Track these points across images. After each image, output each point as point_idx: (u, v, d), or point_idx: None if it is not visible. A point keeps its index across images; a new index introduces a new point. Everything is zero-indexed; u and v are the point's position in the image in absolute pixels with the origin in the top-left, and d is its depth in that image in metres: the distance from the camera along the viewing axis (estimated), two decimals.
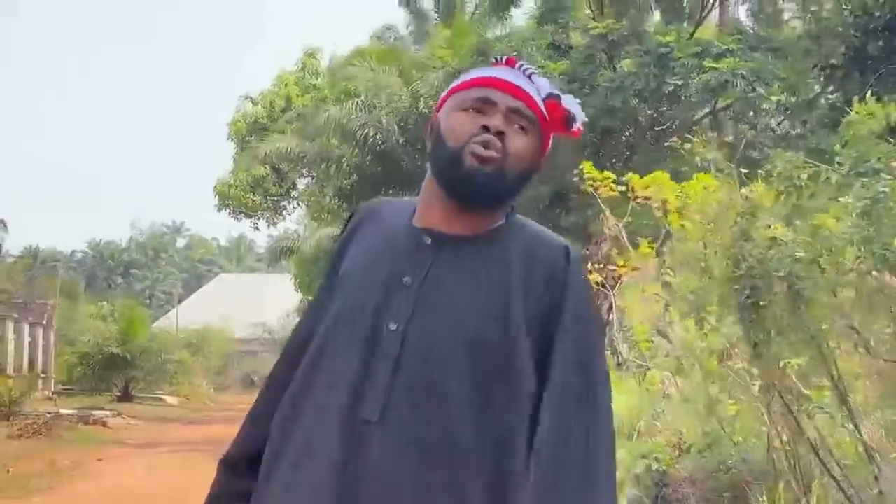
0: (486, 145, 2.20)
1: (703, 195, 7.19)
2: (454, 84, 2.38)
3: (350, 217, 2.46)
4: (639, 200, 9.18)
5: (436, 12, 28.13)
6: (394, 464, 2.08)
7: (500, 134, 2.20)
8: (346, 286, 2.27)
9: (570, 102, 2.33)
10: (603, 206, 9.49)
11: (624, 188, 9.73)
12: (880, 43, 11.64)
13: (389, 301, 2.18)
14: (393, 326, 2.15)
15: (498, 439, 2.10)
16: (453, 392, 2.10)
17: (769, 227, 6.09)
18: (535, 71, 2.36)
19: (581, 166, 9.77)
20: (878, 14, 11.63)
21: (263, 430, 2.28)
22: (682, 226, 7.31)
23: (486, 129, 2.21)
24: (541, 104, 2.29)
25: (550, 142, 2.37)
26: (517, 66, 2.36)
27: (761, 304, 5.80)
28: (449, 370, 2.11)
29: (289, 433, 2.21)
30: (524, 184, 2.27)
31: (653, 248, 9.53)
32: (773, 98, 17.73)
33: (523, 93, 2.27)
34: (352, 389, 2.14)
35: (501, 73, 2.32)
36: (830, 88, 12.76)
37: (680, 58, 18.69)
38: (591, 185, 9.65)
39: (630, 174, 8.87)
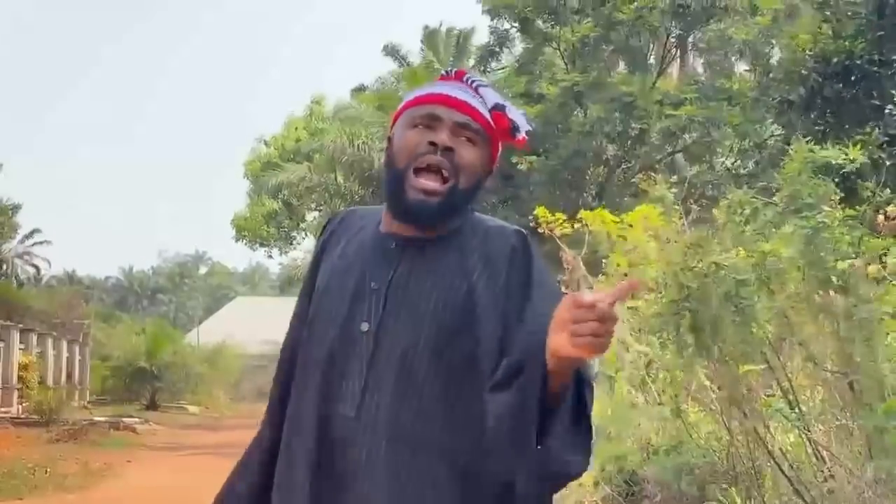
0: (433, 169, 2.10)
1: (645, 224, 7.18)
2: (406, 100, 2.28)
3: (323, 228, 2.39)
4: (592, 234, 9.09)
5: (420, 63, 28.27)
6: (373, 456, 2.02)
7: (447, 150, 2.11)
8: (322, 295, 2.20)
9: (515, 113, 2.23)
10: (560, 243, 9.34)
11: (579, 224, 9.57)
12: (836, 86, 11.71)
13: (360, 305, 2.12)
14: (365, 328, 2.09)
15: (464, 427, 2.02)
16: (423, 384, 2.04)
17: (719, 253, 6.07)
18: (483, 82, 2.27)
19: (535, 212, 9.63)
20: (835, 60, 11.72)
21: (263, 452, 2.26)
22: (618, 262, 7.33)
23: (433, 145, 2.11)
24: (487, 115, 2.19)
25: (500, 150, 2.26)
26: (465, 78, 2.27)
27: (701, 327, 5.79)
28: (418, 364, 2.05)
29: (286, 439, 2.17)
30: (475, 194, 2.19)
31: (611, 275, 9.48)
32: (726, 142, 17.84)
33: (468, 107, 2.18)
34: (330, 390, 2.08)
35: (448, 88, 2.23)
36: (780, 131, 12.80)
37: (643, 105, 18.79)
38: (547, 227, 9.49)
39: (582, 212, 8.74)
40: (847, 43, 11.66)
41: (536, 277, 2.13)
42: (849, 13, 12.18)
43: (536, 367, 1.88)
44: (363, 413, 2.04)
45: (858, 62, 11.53)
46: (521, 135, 2.23)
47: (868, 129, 8.93)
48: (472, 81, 2.26)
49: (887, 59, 11.54)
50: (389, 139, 2.26)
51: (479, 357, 2.04)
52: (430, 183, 2.10)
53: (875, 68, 11.49)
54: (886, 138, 7.88)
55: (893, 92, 11.39)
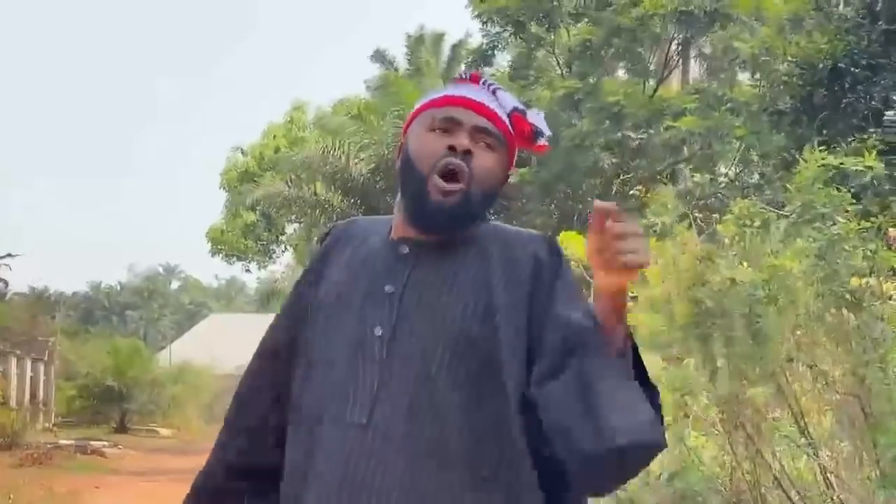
0: (450, 175, 2.11)
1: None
2: (421, 102, 2.31)
3: (324, 238, 2.38)
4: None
5: (408, 70, 28.28)
6: (383, 466, 1.99)
7: (466, 153, 2.14)
8: (328, 302, 2.19)
9: (535, 117, 2.26)
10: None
11: None
12: (824, 92, 11.82)
13: (374, 309, 2.12)
14: (378, 332, 2.09)
15: (487, 436, 2.01)
16: (440, 392, 2.02)
17: (728, 268, 6.08)
18: (500, 87, 2.31)
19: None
20: (821, 66, 11.84)
21: (241, 440, 2.30)
22: None
23: (452, 149, 2.13)
24: (506, 120, 2.23)
25: (515, 156, 2.29)
26: (481, 82, 2.30)
27: (718, 342, 5.79)
28: (434, 370, 2.03)
29: (293, 448, 2.15)
30: (491, 201, 2.22)
31: None
32: (729, 154, 17.90)
33: (488, 110, 2.21)
34: (341, 395, 2.06)
35: (466, 90, 2.26)
36: (781, 137, 12.90)
37: (635, 113, 18.89)
38: None
39: (563, 233, 8.74)
40: (834, 46, 11.78)
41: (564, 280, 2.14)
42: (837, 17, 12.37)
43: (591, 335, 1.93)
44: (374, 420, 2.02)
45: (847, 66, 11.64)
46: (543, 140, 2.26)
47: (864, 137, 8.97)
48: (489, 84, 2.29)
49: (879, 63, 11.64)
50: (401, 144, 2.28)
51: (501, 364, 2.03)
52: (450, 185, 2.12)
53: (868, 73, 11.60)
54: (884, 146, 7.94)
55: (894, 97, 11.51)
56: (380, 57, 29.88)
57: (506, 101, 2.26)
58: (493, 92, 2.27)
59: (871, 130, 10.29)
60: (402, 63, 29.02)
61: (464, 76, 2.34)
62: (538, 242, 2.20)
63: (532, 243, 2.19)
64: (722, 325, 5.85)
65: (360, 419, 2.03)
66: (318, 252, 2.37)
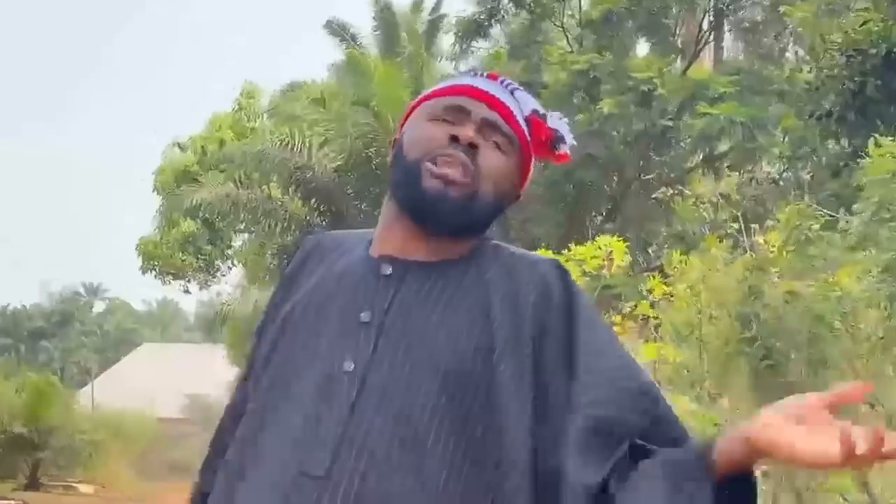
0: (453, 163, 2.12)
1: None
2: (424, 93, 2.32)
3: (294, 254, 2.39)
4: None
5: (379, 47, 28.13)
6: None
7: (471, 147, 2.14)
8: (292, 332, 2.17)
9: (558, 122, 2.28)
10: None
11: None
12: (878, 83, 11.71)
13: (345, 340, 2.09)
14: (349, 367, 2.06)
15: (480, 497, 1.98)
16: (419, 442, 1.98)
17: (778, 278, 6.07)
18: (520, 88, 2.33)
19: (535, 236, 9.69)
20: (872, 51, 11.71)
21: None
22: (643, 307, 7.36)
23: (454, 140, 2.13)
24: (522, 121, 2.25)
25: (532, 168, 2.31)
26: (499, 80, 2.32)
27: (778, 367, 5.75)
28: (418, 413, 2.00)
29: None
30: (496, 213, 2.22)
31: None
32: (775, 150, 17.72)
33: (502, 105, 2.23)
34: (296, 442, 2.02)
35: (479, 82, 2.29)
36: (834, 146, 12.86)
37: (667, 97, 18.69)
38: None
39: (574, 247, 8.67)
40: (889, 28, 11.71)
41: (584, 316, 2.13)
42: None
43: (689, 453, 1.93)
44: (335, 473, 1.96)
45: None
46: (564, 148, 2.29)
47: None
48: (507, 84, 2.31)
49: None
50: (395, 140, 2.28)
51: (499, 411, 2.00)
52: (450, 170, 2.12)
53: None
54: None
55: None
56: (337, 29, 29.46)
57: (525, 102, 2.28)
58: (512, 92, 2.29)
59: None
60: (367, 39, 28.85)
61: (478, 73, 2.36)
62: (547, 268, 2.19)
63: (540, 268, 2.18)
64: (776, 349, 5.83)
65: (317, 471, 1.97)
66: (284, 274, 2.37)
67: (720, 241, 7.11)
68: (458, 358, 2.03)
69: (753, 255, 6.31)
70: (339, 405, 2.01)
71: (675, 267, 7.56)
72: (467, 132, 2.15)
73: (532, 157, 2.29)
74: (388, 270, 2.16)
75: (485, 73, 2.35)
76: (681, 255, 7.82)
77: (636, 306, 9.41)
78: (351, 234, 2.37)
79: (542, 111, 2.28)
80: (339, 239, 2.36)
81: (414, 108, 2.30)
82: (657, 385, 2.18)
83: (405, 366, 2.03)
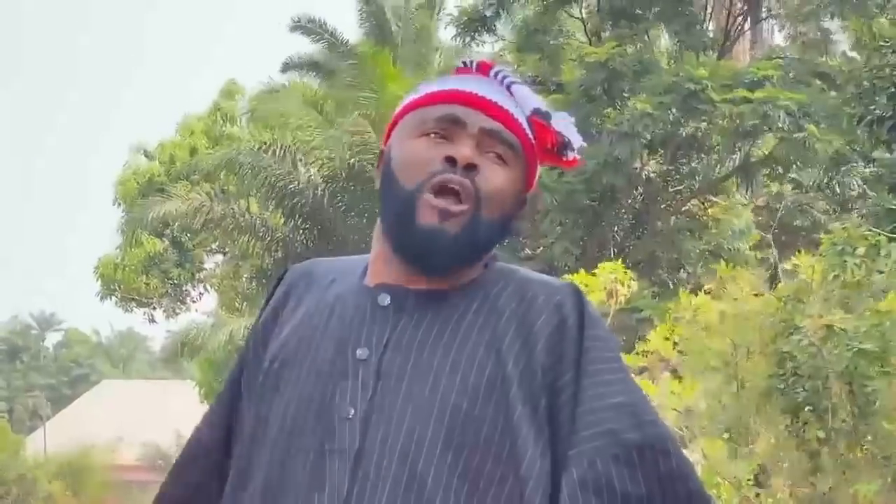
0: (449, 190, 2.11)
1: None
2: (410, 97, 2.30)
3: (276, 286, 2.39)
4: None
5: (368, 40, 28.03)
6: None
7: (470, 168, 2.13)
8: (282, 370, 2.19)
9: (562, 123, 2.25)
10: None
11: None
12: None
13: (342, 382, 2.11)
14: (349, 413, 2.08)
15: None
16: (432, 491, 2.01)
17: (819, 315, 6.08)
18: (517, 80, 2.29)
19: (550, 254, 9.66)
20: None
21: None
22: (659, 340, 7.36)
23: (450, 161, 2.13)
24: (524, 124, 2.22)
25: (538, 168, 2.30)
26: (492, 73, 2.29)
27: (816, 411, 5.78)
28: (425, 466, 2.02)
29: None
30: (504, 233, 2.22)
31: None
32: (824, 144, 17.38)
33: (501, 110, 2.20)
34: (299, 499, 2.07)
35: (472, 83, 2.25)
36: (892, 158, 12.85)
37: (710, 96, 18.35)
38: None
39: (601, 265, 8.59)
40: None
41: (592, 355, 2.14)
42: None
43: None
44: None
45: None
46: (574, 154, 2.27)
47: None
48: (503, 77, 2.29)
49: None
50: (382, 152, 2.28)
51: (516, 458, 2.05)
52: (452, 204, 2.11)
53: None
54: None
55: None
56: (307, 26, 29.16)
57: (525, 100, 2.25)
58: (509, 87, 2.26)
59: None
60: (351, 32, 28.63)
61: (468, 65, 2.34)
62: (563, 294, 2.19)
63: (555, 293, 2.19)
64: (812, 389, 5.85)
65: None
66: (268, 306, 2.37)
67: (757, 259, 7.13)
68: (467, 400, 2.05)
69: (787, 284, 6.32)
70: (342, 458, 2.06)
71: (706, 291, 7.58)
72: (464, 151, 2.13)
73: (537, 161, 2.26)
74: (387, 301, 2.16)
75: (475, 64, 2.33)
76: (724, 269, 7.81)
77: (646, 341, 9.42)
78: (341, 261, 2.37)
79: (543, 109, 2.24)
80: (329, 266, 2.36)
81: (401, 115, 2.26)
82: (669, 432, 2.19)
83: (408, 412, 2.06)
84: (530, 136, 2.22)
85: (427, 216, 2.11)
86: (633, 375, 2.27)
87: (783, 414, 5.98)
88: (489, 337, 2.10)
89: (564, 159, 2.27)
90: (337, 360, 2.13)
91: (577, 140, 2.26)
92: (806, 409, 5.87)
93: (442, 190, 2.12)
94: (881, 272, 6.42)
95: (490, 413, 2.04)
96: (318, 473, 2.06)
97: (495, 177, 2.15)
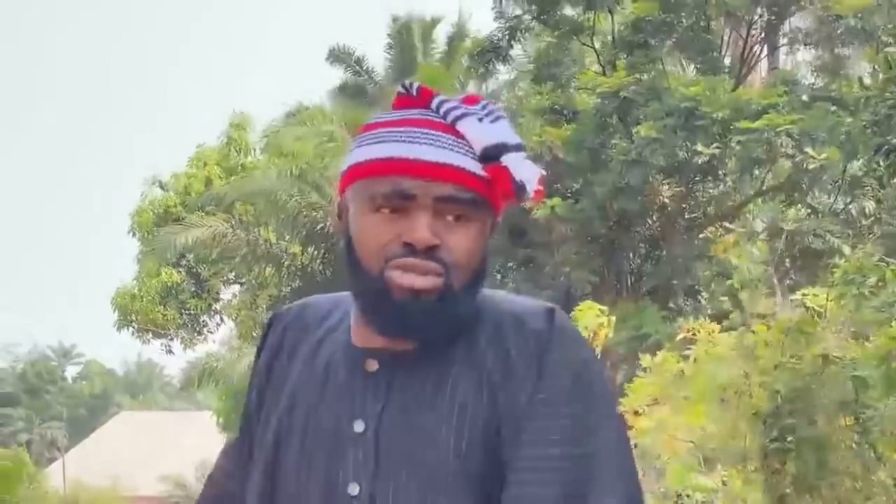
0: (416, 271, 2.10)
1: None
2: (354, 160, 2.22)
3: (265, 335, 2.39)
4: None
5: (390, 69, 28.20)
6: None
7: (431, 249, 2.10)
8: (287, 439, 2.21)
9: (516, 162, 2.15)
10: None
11: None
12: None
13: (343, 459, 2.13)
14: (354, 491, 2.11)
15: None
16: None
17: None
18: (460, 108, 2.20)
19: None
20: None
21: None
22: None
23: (409, 246, 2.10)
24: (477, 169, 2.14)
25: (503, 205, 2.23)
26: (434, 104, 2.21)
27: (791, 450, 5.74)
28: None
29: None
30: (480, 282, 2.19)
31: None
32: (821, 157, 17.22)
33: (450, 170, 2.13)
34: None
35: (414, 136, 2.15)
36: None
37: (713, 117, 18.37)
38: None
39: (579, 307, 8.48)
40: None
41: (552, 381, 2.12)
42: None
43: None
44: None
45: None
46: (530, 193, 2.19)
47: None
48: (447, 110, 2.20)
49: None
50: (339, 209, 2.25)
51: None
52: (418, 280, 2.10)
53: None
54: None
55: None
56: (341, 56, 29.52)
57: (474, 140, 2.17)
58: (454, 123, 2.18)
59: None
60: (377, 63, 28.79)
61: (407, 89, 2.26)
62: (536, 319, 2.18)
63: (530, 321, 2.17)
64: (810, 423, 5.80)
65: None
66: (260, 361, 2.37)
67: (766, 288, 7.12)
68: (469, 461, 2.07)
69: (790, 315, 6.30)
70: None
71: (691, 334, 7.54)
72: (421, 234, 2.08)
73: (499, 196, 2.18)
74: (374, 367, 2.18)
75: (416, 89, 2.24)
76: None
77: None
78: (327, 303, 2.36)
79: (494, 148, 2.14)
80: (318, 312, 2.35)
81: (348, 180, 2.22)
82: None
83: (410, 486, 2.08)
84: (485, 177, 2.15)
85: (399, 292, 2.10)
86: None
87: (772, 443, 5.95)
88: (478, 385, 2.11)
89: (524, 200, 2.20)
90: (336, 434, 2.15)
91: (531, 175, 2.17)
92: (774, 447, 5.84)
93: (408, 269, 2.10)
94: (891, 302, 6.39)
95: (491, 466, 2.07)
96: None
97: (459, 242, 2.13)
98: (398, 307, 2.10)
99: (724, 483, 7.21)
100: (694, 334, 7.03)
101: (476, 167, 2.14)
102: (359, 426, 2.13)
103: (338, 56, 29.37)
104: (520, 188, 2.16)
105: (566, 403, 2.09)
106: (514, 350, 2.13)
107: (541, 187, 2.21)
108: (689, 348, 7.21)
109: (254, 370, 2.37)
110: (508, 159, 2.16)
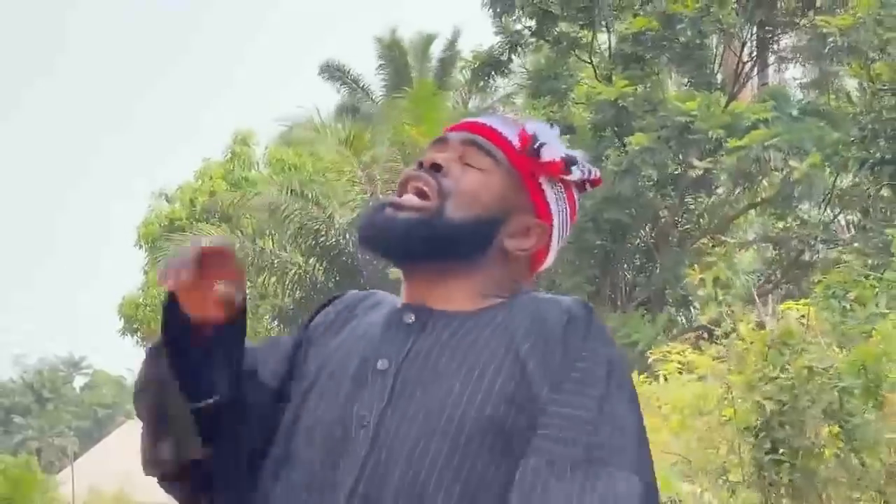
0: (414, 188, 2.26)
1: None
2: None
3: (325, 305, 2.49)
4: None
5: (384, 84, 28.25)
6: None
7: (435, 168, 2.27)
8: (315, 384, 2.28)
9: (544, 132, 2.35)
10: None
11: None
12: None
13: (362, 389, 2.19)
14: (364, 420, 2.15)
15: None
16: (432, 498, 2.06)
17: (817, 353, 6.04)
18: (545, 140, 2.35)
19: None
20: None
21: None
22: None
23: (420, 165, 2.30)
24: (513, 138, 2.32)
25: (545, 189, 2.35)
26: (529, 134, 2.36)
27: (785, 461, 5.74)
28: (429, 470, 2.08)
29: None
30: (478, 231, 2.26)
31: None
32: (804, 165, 17.18)
33: (485, 128, 2.34)
34: (310, 492, 2.15)
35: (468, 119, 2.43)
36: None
37: (706, 131, 18.41)
38: None
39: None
40: None
41: (587, 365, 2.16)
42: None
43: None
44: None
45: None
46: (583, 170, 2.36)
47: None
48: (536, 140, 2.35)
49: None
50: None
51: (511, 468, 2.10)
52: (405, 197, 2.28)
53: None
54: None
55: None
56: (334, 71, 29.51)
57: (527, 128, 2.36)
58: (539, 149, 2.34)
59: None
60: (369, 78, 28.69)
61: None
62: (570, 307, 2.24)
63: (563, 309, 2.22)
64: (795, 434, 5.81)
65: None
66: (307, 324, 2.46)
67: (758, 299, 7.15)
68: (473, 413, 2.09)
69: (773, 328, 6.30)
70: (352, 462, 2.11)
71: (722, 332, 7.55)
72: (430, 154, 2.30)
73: (537, 173, 2.32)
74: (411, 319, 2.24)
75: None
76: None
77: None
78: (388, 297, 2.45)
79: (538, 136, 2.32)
80: (373, 297, 2.44)
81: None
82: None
83: (418, 416, 2.11)
84: (516, 147, 2.31)
85: (388, 210, 2.26)
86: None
87: (764, 455, 5.94)
88: (503, 353, 2.15)
89: (570, 174, 2.33)
90: (360, 371, 2.21)
91: (581, 156, 2.36)
92: (768, 459, 5.84)
93: (406, 188, 2.28)
94: (875, 314, 6.40)
95: (506, 415, 2.10)
96: (328, 472, 2.15)
97: (465, 177, 2.27)
98: (377, 215, 2.27)
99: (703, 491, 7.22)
100: (664, 356, 7.07)
101: (511, 136, 2.34)
102: (382, 364, 2.19)
103: (331, 71, 29.36)
104: (569, 161, 2.33)
105: (598, 386, 2.13)
106: (552, 324, 2.19)
107: (597, 175, 2.39)
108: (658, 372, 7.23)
109: (311, 319, 2.46)
110: (548, 142, 2.33)
